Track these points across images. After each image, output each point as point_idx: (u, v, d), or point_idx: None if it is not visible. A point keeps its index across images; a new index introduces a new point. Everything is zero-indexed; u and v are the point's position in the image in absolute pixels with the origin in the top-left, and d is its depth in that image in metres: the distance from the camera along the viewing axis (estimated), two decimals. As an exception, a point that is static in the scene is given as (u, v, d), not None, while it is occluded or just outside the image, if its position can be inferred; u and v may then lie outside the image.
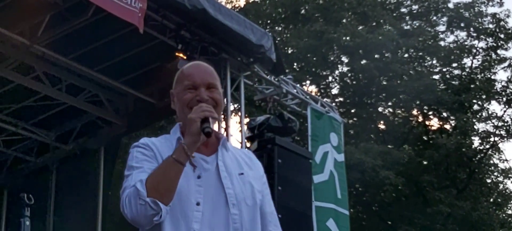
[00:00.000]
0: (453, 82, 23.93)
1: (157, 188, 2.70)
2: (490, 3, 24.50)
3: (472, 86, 23.47)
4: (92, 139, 12.19)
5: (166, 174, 2.73)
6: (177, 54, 9.53)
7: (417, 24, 25.38)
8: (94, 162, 12.02)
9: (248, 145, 10.37)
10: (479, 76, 24.21)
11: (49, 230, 12.14)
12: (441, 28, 25.49)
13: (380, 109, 24.98)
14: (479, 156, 24.46)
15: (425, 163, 23.09)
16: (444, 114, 24.18)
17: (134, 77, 11.18)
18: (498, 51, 24.65)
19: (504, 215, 25.58)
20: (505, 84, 24.00)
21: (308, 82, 24.37)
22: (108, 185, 12.22)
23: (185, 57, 9.52)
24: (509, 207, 25.96)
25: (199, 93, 2.92)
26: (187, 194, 2.82)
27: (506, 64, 24.46)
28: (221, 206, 2.86)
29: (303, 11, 25.70)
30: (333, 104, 15.26)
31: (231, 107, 10.52)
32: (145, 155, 2.88)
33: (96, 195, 11.86)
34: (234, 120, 10.78)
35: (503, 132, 24.16)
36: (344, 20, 24.11)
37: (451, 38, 25.38)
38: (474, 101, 23.88)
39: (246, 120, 11.42)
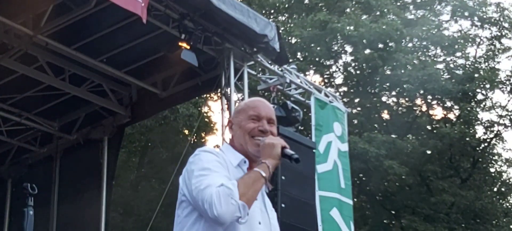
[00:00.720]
0: (457, 71, 23.85)
1: (246, 194, 3.05)
2: (494, -8, 24.44)
3: (476, 75, 23.38)
4: (95, 129, 12.19)
5: (254, 185, 3.11)
6: (180, 44, 9.49)
7: (421, 14, 25.31)
8: (98, 152, 12.01)
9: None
10: (483, 65, 24.12)
11: (53, 220, 12.16)
12: (445, 17, 25.44)
13: (383, 99, 24.93)
14: (482, 146, 24.43)
15: (428, 152, 23.04)
16: (448, 103, 24.13)
17: (137, 67, 11.20)
18: (502, 41, 24.61)
19: (507, 204, 25.54)
20: (509, 74, 23.95)
21: (311, 72, 24.32)
22: (112, 175, 12.21)
23: (188, 47, 9.51)
24: (512, 196, 25.96)
25: (262, 124, 3.33)
26: (253, 212, 3.16)
27: (510, 53, 24.45)
28: (267, 227, 3.31)
29: (306, 1, 25.65)
30: (337, 94, 15.21)
31: (235, 97, 10.46)
32: (220, 162, 3.20)
33: (99, 185, 11.85)
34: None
35: (507, 121, 24.12)
36: (347, 10, 24.07)
37: (455, 27, 25.34)
38: (478, 90, 23.80)
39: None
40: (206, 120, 23.83)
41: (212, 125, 24.75)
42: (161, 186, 19.57)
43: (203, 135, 24.02)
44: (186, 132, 23.30)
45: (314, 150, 10.64)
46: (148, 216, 17.65)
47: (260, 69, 11.32)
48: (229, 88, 10.23)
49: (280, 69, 11.15)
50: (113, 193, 12.80)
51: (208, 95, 21.92)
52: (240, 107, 3.46)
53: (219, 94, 11.42)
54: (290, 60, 13.24)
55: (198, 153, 3.23)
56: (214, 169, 3.14)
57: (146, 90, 11.52)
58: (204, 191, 3.03)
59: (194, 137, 22.13)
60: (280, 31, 10.84)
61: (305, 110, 12.49)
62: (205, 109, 24.10)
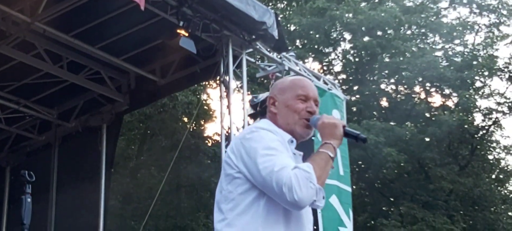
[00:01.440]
0: (456, 59, 23.88)
1: (321, 177, 2.98)
2: (493, -20, 24.42)
3: (474, 63, 23.39)
4: (94, 116, 12.13)
5: (326, 168, 3.04)
6: (178, 31, 9.41)
7: (419, 1, 25.28)
8: (97, 140, 11.96)
9: (250, 122, 10.32)
10: (481, 53, 24.11)
11: (51, 207, 12.13)
12: (444, 4, 25.43)
13: (382, 86, 24.92)
14: (481, 133, 24.48)
15: (427, 139, 23.04)
16: (447, 91, 24.14)
17: (135, 54, 11.10)
18: (501, 28, 24.63)
19: (506, 191, 25.66)
20: (508, 61, 23.92)
21: (310, 59, 24.30)
22: (110, 162, 12.17)
23: (187, 34, 9.44)
24: (511, 183, 26.00)
25: (311, 105, 3.24)
26: None
27: (508, 40, 24.45)
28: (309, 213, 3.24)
29: (305, -12, 25.61)
30: (336, 81, 15.19)
31: (233, 85, 10.40)
32: (280, 142, 3.06)
33: (98, 173, 11.81)
34: (236, 97, 10.66)
35: (505, 108, 24.12)
36: (346, -3, 24.07)
37: (453, 14, 25.37)
38: (477, 78, 23.82)
39: (248, 97, 11.34)
40: (205, 107, 23.78)
41: (211, 113, 24.70)
42: (161, 173, 19.54)
43: (202, 122, 23.98)
44: (185, 119, 23.26)
45: (313, 138, 10.56)
46: (147, 204, 17.64)
47: (259, 56, 11.32)
48: (228, 76, 10.13)
49: (278, 56, 11.03)
50: (112, 181, 12.75)
51: (207, 82, 21.87)
52: (285, 85, 3.32)
53: (218, 81, 11.36)
54: (289, 47, 13.16)
55: (256, 130, 3.10)
56: (280, 148, 3.02)
57: (145, 77, 11.44)
58: (280, 173, 2.90)
59: (193, 124, 22.09)
60: (279, 18, 10.69)
61: (304, 97, 12.46)
62: (204, 96, 24.07)
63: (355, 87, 24.83)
